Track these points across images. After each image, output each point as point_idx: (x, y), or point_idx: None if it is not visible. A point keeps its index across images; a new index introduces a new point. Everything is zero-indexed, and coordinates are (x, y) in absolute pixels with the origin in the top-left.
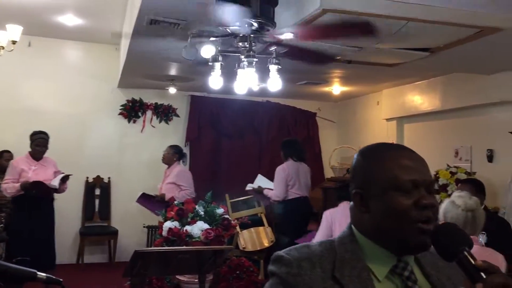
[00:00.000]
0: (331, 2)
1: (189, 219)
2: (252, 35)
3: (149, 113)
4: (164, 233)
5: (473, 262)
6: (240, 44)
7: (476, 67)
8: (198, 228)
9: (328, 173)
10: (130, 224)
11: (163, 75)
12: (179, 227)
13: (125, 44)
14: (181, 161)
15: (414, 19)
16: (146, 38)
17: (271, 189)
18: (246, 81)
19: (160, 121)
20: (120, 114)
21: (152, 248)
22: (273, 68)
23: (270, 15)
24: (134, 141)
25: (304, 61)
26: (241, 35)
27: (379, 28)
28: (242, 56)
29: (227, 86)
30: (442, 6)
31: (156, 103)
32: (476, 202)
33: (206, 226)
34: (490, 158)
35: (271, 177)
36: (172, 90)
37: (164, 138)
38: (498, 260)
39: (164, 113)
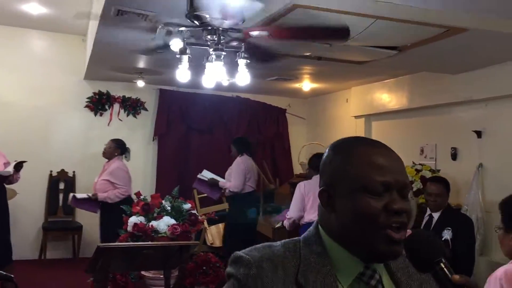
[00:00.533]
0: None
1: (155, 214)
2: (220, 28)
3: (116, 106)
4: (129, 228)
5: (449, 275)
6: (209, 37)
7: (442, 66)
8: (164, 224)
9: (297, 169)
10: (95, 219)
11: (131, 68)
12: (145, 222)
13: (91, 35)
14: (123, 156)
15: (382, 17)
16: (113, 29)
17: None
18: (214, 75)
19: (127, 115)
20: (86, 106)
21: (115, 243)
22: (241, 62)
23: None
24: (101, 134)
25: (256, 58)
26: (209, 28)
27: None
28: (210, 49)
29: (197, 80)
30: (410, 5)
31: (124, 96)
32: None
33: (172, 221)
34: (454, 156)
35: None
36: (141, 83)
37: (132, 132)
38: None
39: (132, 106)
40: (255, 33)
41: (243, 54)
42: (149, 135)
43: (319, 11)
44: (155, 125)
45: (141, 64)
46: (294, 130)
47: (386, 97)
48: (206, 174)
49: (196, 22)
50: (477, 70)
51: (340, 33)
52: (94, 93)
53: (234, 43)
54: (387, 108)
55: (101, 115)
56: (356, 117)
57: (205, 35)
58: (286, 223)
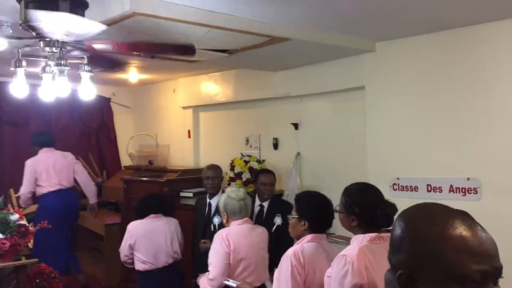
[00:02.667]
0: (141, 5)
1: None
2: (61, 40)
3: None
4: None
5: None
6: (47, 49)
7: (265, 65)
8: None
9: (125, 161)
10: None
11: None
12: None
13: None
14: None
15: (217, 27)
16: None
17: None
18: (57, 91)
19: None
20: None
21: None
22: (85, 75)
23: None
24: None
25: (103, 67)
26: (48, 39)
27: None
28: (51, 63)
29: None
30: (241, 16)
31: None
32: (243, 192)
33: None
34: (275, 146)
35: None
36: None
37: None
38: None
39: None
40: (98, 46)
41: (86, 66)
42: None
43: (159, 20)
44: None
45: None
46: (120, 120)
47: (213, 89)
48: None
49: (32, 32)
50: (294, 69)
51: (185, 49)
52: None
53: (76, 53)
54: (214, 100)
55: None
56: (184, 107)
57: (43, 46)
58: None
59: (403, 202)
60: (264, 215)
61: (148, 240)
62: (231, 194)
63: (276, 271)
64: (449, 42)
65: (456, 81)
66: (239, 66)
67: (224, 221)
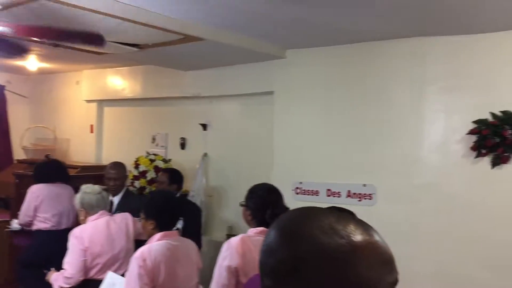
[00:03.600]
0: None
1: None
2: None
3: None
4: None
5: None
6: None
7: (177, 64)
8: None
9: (19, 154)
10: None
11: None
12: None
13: None
14: None
15: (128, 19)
16: None
17: None
18: None
19: None
20: None
21: None
22: None
23: None
24: None
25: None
26: None
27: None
28: None
29: None
30: (154, 11)
31: None
32: (99, 187)
33: None
34: (182, 146)
35: None
36: None
37: None
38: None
39: None
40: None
41: None
42: None
43: (67, 6)
44: None
45: None
46: (15, 110)
47: (120, 84)
48: None
49: None
50: (206, 69)
51: (93, 39)
52: None
53: None
54: (121, 96)
55: None
56: (87, 101)
57: None
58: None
59: (304, 205)
60: None
61: (53, 202)
62: (87, 189)
63: (126, 273)
64: (354, 55)
65: (358, 93)
66: (149, 63)
67: (82, 217)
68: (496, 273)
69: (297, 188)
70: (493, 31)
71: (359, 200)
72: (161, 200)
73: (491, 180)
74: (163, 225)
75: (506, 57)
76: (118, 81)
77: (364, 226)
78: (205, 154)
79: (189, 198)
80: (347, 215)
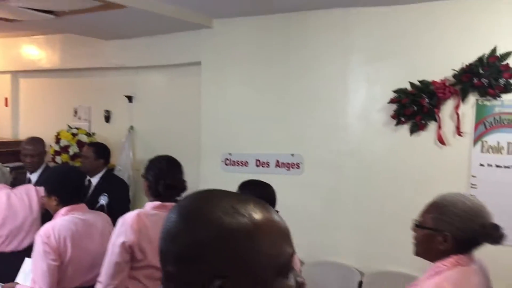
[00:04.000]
0: None
1: None
2: None
3: None
4: None
5: None
6: None
7: (98, 32)
8: None
9: None
10: None
11: None
12: None
13: None
14: None
15: None
16: None
17: None
18: None
19: None
20: None
21: None
22: None
23: None
24: None
25: None
26: None
27: None
28: None
29: None
30: None
31: None
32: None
33: None
34: (107, 119)
35: None
36: None
37: None
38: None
39: None
40: None
41: None
42: None
43: None
44: None
45: None
46: None
47: (36, 54)
48: None
49: None
50: (130, 39)
51: None
52: None
53: None
54: (38, 66)
55: None
56: (0, 72)
57: None
58: None
59: (234, 176)
60: (91, 193)
61: None
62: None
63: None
64: (281, 25)
65: (285, 64)
66: (68, 31)
67: None
68: (406, 227)
69: (226, 159)
70: (415, 3)
71: (288, 170)
72: (60, 174)
73: (409, 147)
74: (67, 199)
75: (424, 27)
76: (34, 51)
77: (262, 204)
78: (131, 127)
79: (116, 173)
80: (246, 195)
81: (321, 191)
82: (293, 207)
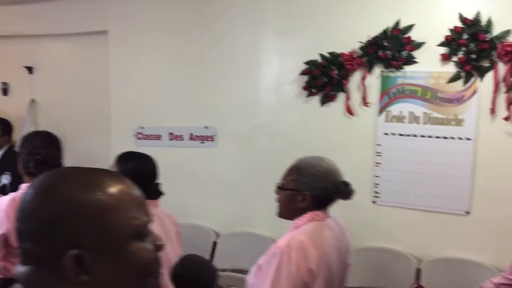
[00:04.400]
0: None
1: None
2: None
3: None
4: None
5: None
6: None
7: None
8: None
9: None
10: None
11: None
12: None
13: None
14: None
15: None
16: None
17: None
18: None
19: None
20: None
21: None
22: None
23: None
24: None
25: None
26: None
27: None
28: None
29: None
30: None
31: None
32: None
33: None
34: (5, 92)
35: None
36: None
37: None
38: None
39: None
40: None
41: None
42: None
43: None
44: None
45: None
46: None
47: None
48: None
49: None
50: (27, 5)
51: None
52: None
53: None
54: None
55: None
56: None
57: None
58: None
59: (147, 150)
60: None
61: None
62: None
63: None
64: None
65: (197, 35)
66: None
67: None
68: None
69: (138, 133)
70: None
71: (202, 142)
72: None
73: (320, 117)
74: None
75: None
76: None
77: (117, 177)
78: (33, 101)
79: (16, 149)
80: (103, 170)
81: (236, 164)
82: (208, 179)
